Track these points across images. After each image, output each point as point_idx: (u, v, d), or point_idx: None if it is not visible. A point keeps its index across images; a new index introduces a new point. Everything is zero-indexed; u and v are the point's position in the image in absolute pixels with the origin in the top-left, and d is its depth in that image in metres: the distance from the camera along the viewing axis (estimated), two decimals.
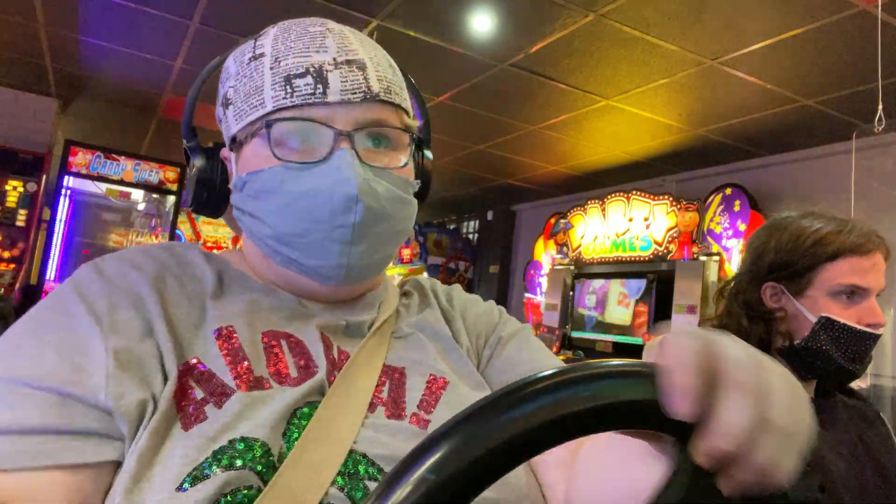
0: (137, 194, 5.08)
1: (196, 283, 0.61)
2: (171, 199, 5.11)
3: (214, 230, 8.05)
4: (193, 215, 7.96)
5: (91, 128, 5.32)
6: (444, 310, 0.75)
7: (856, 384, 1.23)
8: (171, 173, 5.05)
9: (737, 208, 4.06)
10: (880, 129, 1.89)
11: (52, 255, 4.63)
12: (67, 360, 0.49)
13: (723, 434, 0.29)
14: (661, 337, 0.34)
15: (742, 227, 3.99)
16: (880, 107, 1.93)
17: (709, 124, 3.79)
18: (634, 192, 4.82)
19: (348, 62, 0.59)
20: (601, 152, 4.58)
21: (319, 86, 0.57)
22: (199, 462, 0.47)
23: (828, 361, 1.06)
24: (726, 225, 4.12)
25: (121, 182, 4.89)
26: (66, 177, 4.70)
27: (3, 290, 4.01)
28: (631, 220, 4.81)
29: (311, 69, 0.58)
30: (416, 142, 0.66)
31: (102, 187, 4.87)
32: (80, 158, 4.74)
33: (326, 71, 0.58)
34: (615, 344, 4.75)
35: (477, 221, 7.36)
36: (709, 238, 4.22)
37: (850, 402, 1.17)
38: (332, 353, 0.60)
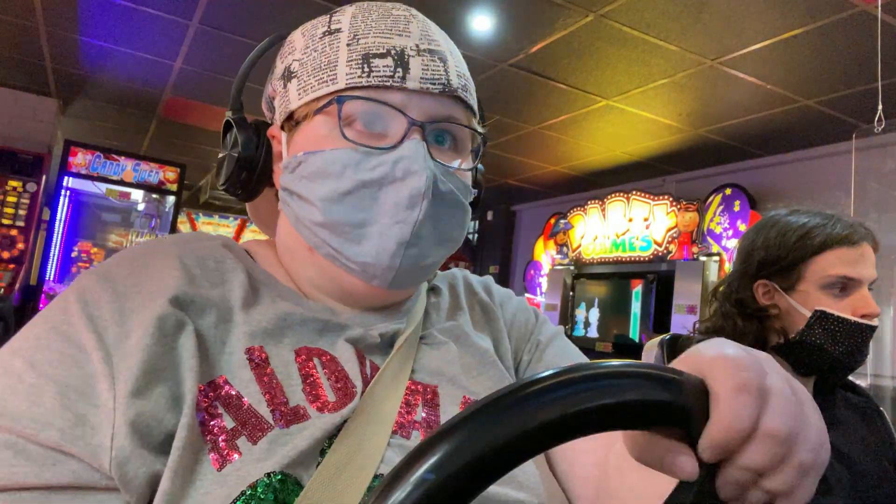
0: (137, 194, 5.08)
1: (222, 287, 0.54)
2: (171, 199, 5.11)
3: (214, 230, 8.04)
4: (193, 215, 7.96)
5: (91, 128, 5.31)
6: (485, 305, 0.70)
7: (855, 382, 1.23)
8: (170, 173, 5.05)
9: (737, 208, 4.06)
10: (880, 129, 1.88)
11: (51, 255, 4.63)
12: (70, 409, 0.43)
13: (746, 471, 0.31)
14: (705, 344, 0.34)
15: (742, 227, 3.99)
16: (880, 107, 1.93)
17: (709, 124, 3.79)
18: (634, 193, 4.82)
19: (430, 51, 0.56)
20: (601, 152, 4.58)
21: (399, 69, 0.53)
22: (232, 497, 0.44)
23: (823, 355, 1.06)
24: (726, 225, 4.12)
25: (120, 182, 4.89)
26: (66, 177, 4.71)
27: (2, 290, 4.00)
28: (631, 220, 4.81)
29: (393, 51, 0.54)
30: (478, 149, 0.62)
31: (102, 187, 4.87)
32: (80, 158, 4.73)
33: (408, 56, 0.54)
34: (615, 344, 4.75)
35: (476, 221, 7.36)
36: (709, 238, 4.22)
37: (851, 399, 1.16)
38: (365, 369, 0.56)
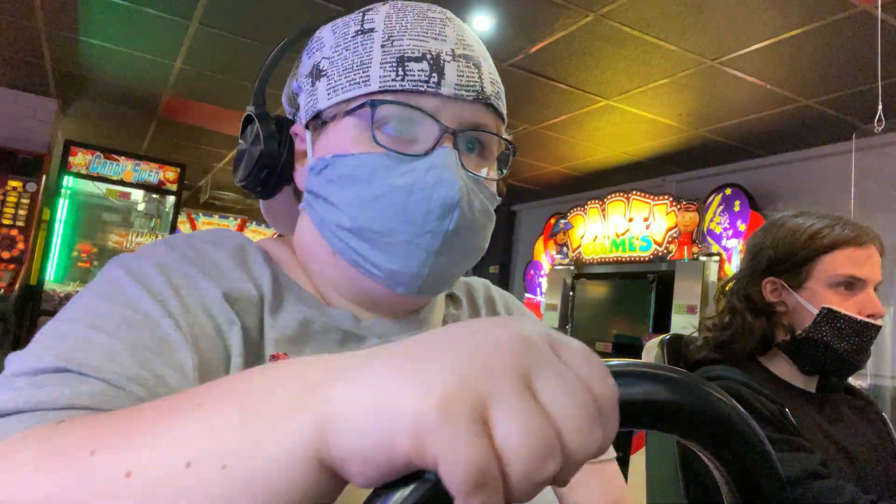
0: (137, 194, 5.08)
1: (252, 290, 0.54)
2: (171, 199, 5.11)
3: None
4: (193, 215, 7.95)
5: (91, 128, 5.31)
6: None
7: (855, 384, 1.24)
8: (170, 173, 5.05)
9: (737, 208, 4.06)
10: (880, 129, 1.88)
11: (51, 255, 4.63)
12: (147, 368, 0.42)
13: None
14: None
15: (742, 227, 3.99)
16: (880, 107, 1.93)
17: (709, 124, 3.79)
18: (634, 193, 4.81)
19: (465, 56, 0.55)
20: (601, 152, 4.58)
21: (435, 74, 0.53)
22: None
23: (828, 353, 1.07)
24: (726, 225, 4.12)
25: (120, 182, 4.89)
26: (66, 177, 4.70)
27: (2, 290, 4.00)
28: (631, 220, 4.81)
29: (429, 55, 0.53)
30: (506, 157, 0.61)
31: (102, 187, 4.87)
32: (80, 158, 4.73)
33: (444, 61, 0.53)
34: (615, 345, 4.75)
35: None
36: (709, 238, 4.22)
37: (852, 402, 1.17)
38: None
